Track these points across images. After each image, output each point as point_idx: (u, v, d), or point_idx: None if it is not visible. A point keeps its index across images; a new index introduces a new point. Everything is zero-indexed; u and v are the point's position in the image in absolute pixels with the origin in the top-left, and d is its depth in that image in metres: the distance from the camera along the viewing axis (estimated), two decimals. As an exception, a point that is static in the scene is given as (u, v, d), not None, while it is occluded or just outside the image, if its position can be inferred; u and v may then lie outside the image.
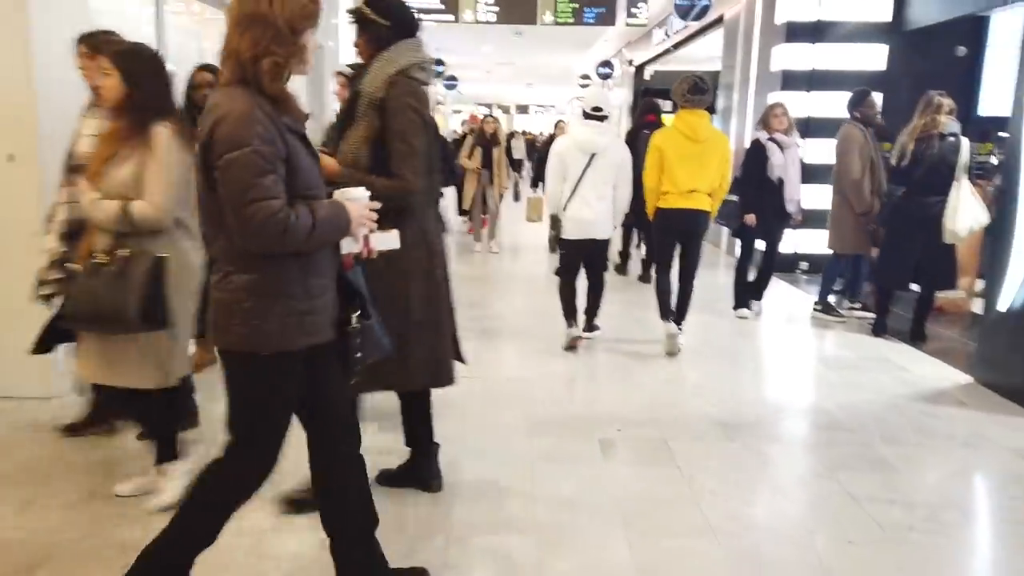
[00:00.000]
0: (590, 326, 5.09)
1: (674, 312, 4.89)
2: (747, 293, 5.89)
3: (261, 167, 1.77)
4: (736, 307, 5.86)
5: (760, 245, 5.79)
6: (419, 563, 2.37)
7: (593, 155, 4.59)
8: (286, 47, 1.82)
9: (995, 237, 4.27)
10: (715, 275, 7.80)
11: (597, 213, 4.63)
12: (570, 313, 4.89)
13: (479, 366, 4.49)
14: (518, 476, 3.03)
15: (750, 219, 5.53)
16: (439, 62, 18.05)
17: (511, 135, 13.01)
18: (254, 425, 1.97)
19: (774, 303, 6.49)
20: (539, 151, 9.81)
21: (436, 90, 22.80)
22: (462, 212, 9.73)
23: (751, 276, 5.90)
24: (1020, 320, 3.99)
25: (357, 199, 2.01)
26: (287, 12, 1.80)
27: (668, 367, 4.59)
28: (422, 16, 9.65)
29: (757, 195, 5.50)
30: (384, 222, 2.10)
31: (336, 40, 10.31)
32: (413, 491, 2.88)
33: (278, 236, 1.78)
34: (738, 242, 5.98)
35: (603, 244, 4.78)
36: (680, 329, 4.88)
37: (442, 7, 9.68)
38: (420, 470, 2.91)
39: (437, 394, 3.95)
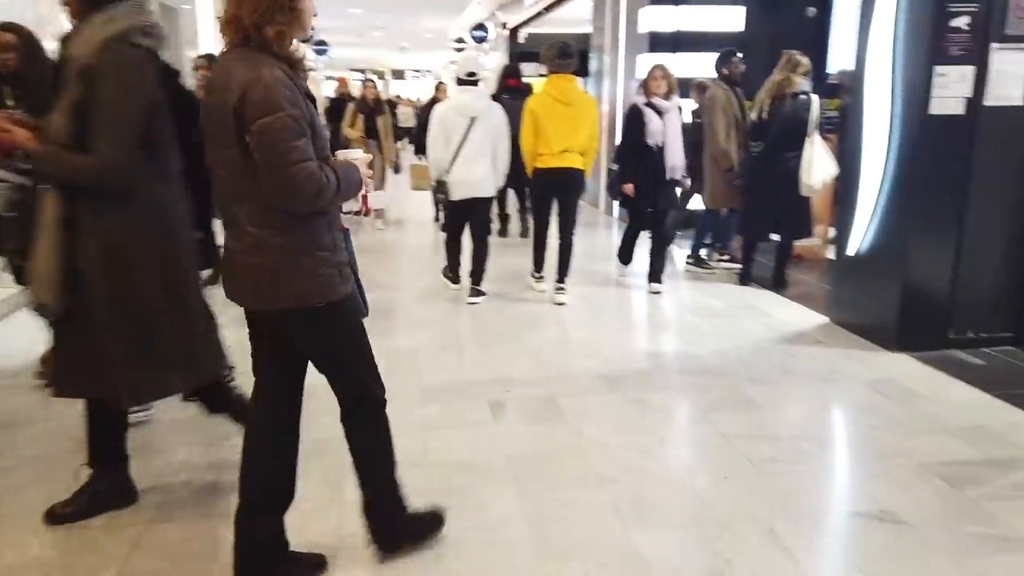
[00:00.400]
0: (475, 291, 5.21)
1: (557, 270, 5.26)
2: (628, 256, 5.86)
3: (296, 130, 1.85)
4: (622, 262, 5.89)
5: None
6: (312, 539, 2.37)
7: (473, 119, 4.86)
8: (285, 14, 1.88)
9: (843, 187, 4.61)
10: (595, 235, 8.02)
11: (480, 173, 4.92)
12: (454, 268, 5.43)
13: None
14: (410, 446, 3.04)
15: (628, 188, 5.33)
16: (307, 26, 17.33)
17: (392, 101, 12.53)
18: (352, 365, 2.19)
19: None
20: (419, 117, 9.58)
21: (307, 56, 21.93)
22: None
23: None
24: (867, 263, 4.35)
25: (358, 159, 2.14)
26: None
27: (553, 327, 4.72)
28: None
29: (635, 163, 5.23)
30: (100, 200, 2.15)
31: (191, 2, 9.71)
32: (305, 464, 2.84)
33: (315, 196, 1.89)
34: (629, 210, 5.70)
35: (487, 203, 5.13)
36: (563, 282, 5.25)
37: (306, -32, 9.27)
38: (112, 486, 2.56)
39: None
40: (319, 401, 2.36)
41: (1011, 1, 3.76)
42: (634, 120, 5.18)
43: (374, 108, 8.04)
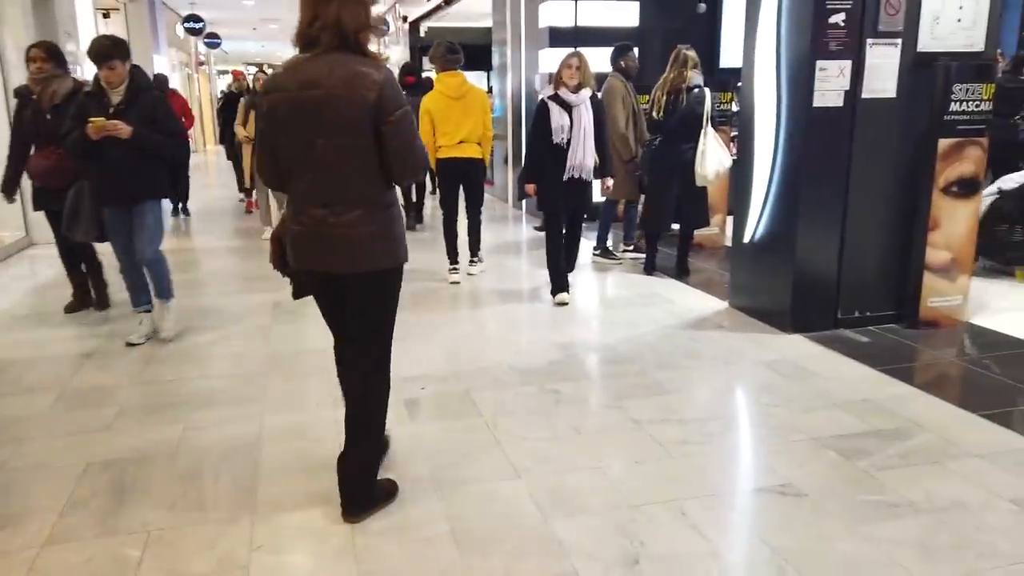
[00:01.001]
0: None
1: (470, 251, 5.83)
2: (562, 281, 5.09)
3: (412, 117, 2.36)
4: (553, 292, 5.07)
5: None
6: (224, 548, 2.30)
7: None
8: (371, 21, 2.29)
9: (737, 177, 4.81)
10: (505, 228, 8.07)
11: None
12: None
13: (276, 341, 4.34)
14: (326, 449, 3.00)
15: (529, 189, 4.96)
16: (196, 18, 16.65)
17: None
18: (389, 326, 2.54)
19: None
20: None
21: (198, 48, 21.05)
22: (243, 190, 9.20)
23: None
24: (761, 250, 4.56)
25: None
26: None
27: (466, 322, 4.73)
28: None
29: (540, 161, 4.85)
30: None
31: (70, -7, 9.13)
32: (216, 471, 2.75)
33: (424, 169, 2.56)
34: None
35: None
36: (476, 255, 5.88)
37: (193, -42, 8.89)
38: None
39: (236, 375, 3.80)
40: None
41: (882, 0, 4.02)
42: (538, 115, 4.87)
43: None
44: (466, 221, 5.73)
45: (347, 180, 2.32)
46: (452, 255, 5.66)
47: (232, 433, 3.15)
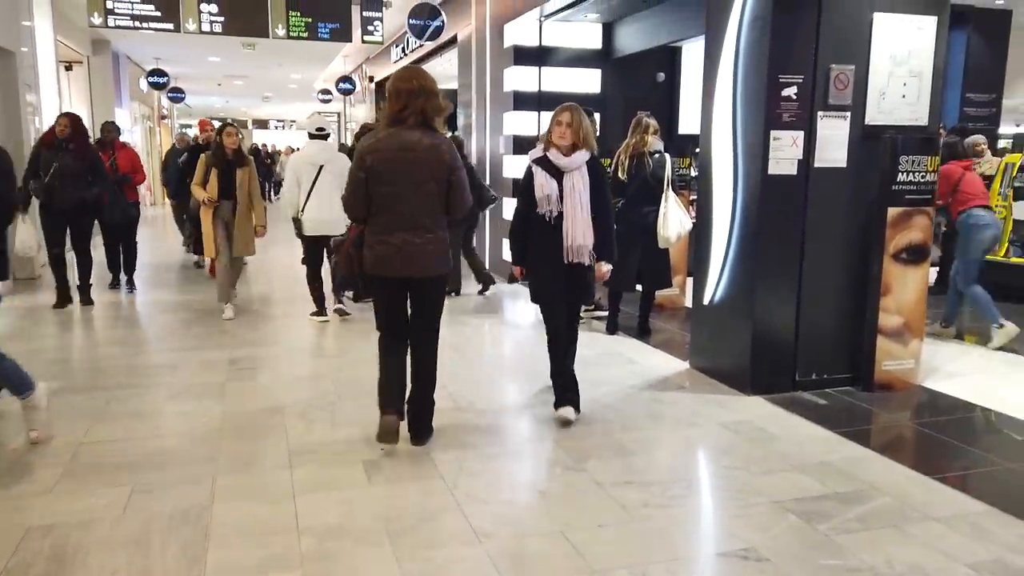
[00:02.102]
0: (339, 300, 6.45)
1: None
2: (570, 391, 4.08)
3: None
4: (556, 405, 4.01)
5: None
6: None
7: (321, 166, 5.97)
8: (440, 109, 3.42)
9: (697, 240, 4.92)
10: (464, 285, 8.06)
11: (331, 213, 5.81)
12: (318, 299, 6.25)
13: (231, 400, 4.24)
14: (280, 511, 2.91)
15: (516, 272, 4.13)
16: (160, 72, 16.68)
17: (266, 151, 11.92)
18: (442, 308, 3.65)
19: (522, 310, 6.88)
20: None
21: (162, 102, 21.04)
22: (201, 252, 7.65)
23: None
24: (721, 312, 4.64)
25: None
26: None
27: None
28: (138, 25, 8.87)
29: (524, 239, 3.96)
30: None
31: (31, 46, 9.12)
32: (164, 537, 2.64)
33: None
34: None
35: (339, 238, 5.69)
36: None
37: (159, 15, 8.94)
38: None
39: (187, 435, 3.69)
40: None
41: (832, 75, 4.21)
42: (524, 183, 3.93)
43: (233, 160, 6.18)
44: None
45: (424, 214, 3.39)
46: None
47: (182, 496, 3.03)
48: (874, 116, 4.33)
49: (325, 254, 6.27)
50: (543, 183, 3.77)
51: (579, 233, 3.75)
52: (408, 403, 3.60)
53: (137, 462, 3.37)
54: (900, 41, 4.29)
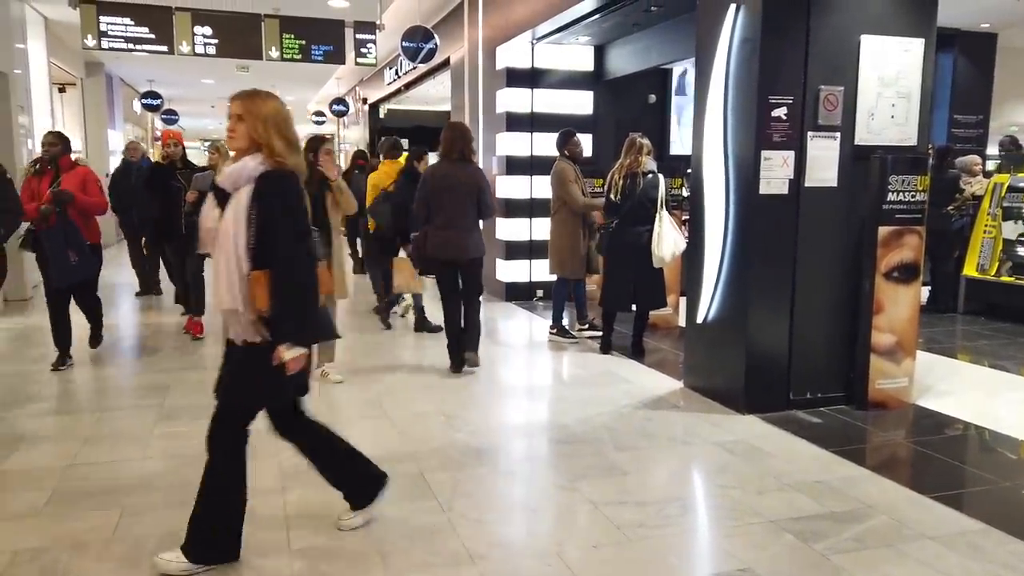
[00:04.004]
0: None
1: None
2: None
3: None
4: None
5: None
6: None
7: None
8: (473, 147, 5.30)
9: (690, 259, 4.93)
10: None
11: None
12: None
13: (220, 420, 4.20)
14: (272, 535, 2.88)
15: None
16: (154, 94, 16.73)
17: None
18: (481, 278, 5.21)
19: (515, 329, 6.88)
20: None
21: (155, 124, 21.08)
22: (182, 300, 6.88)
23: None
24: (714, 331, 4.64)
25: None
26: None
27: (417, 399, 4.65)
28: (132, 47, 8.89)
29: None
30: None
31: (24, 67, 9.14)
32: (146, 561, 2.60)
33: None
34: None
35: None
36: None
37: (153, 37, 8.97)
38: None
39: (179, 456, 3.65)
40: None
41: (821, 96, 4.25)
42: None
43: (323, 182, 5.11)
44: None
45: (465, 216, 5.06)
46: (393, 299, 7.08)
47: (172, 518, 2.99)
48: (863, 136, 4.37)
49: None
50: (206, 212, 2.61)
51: (223, 290, 2.51)
52: (465, 338, 5.23)
53: (127, 485, 3.34)
54: (888, 63, 4.34)
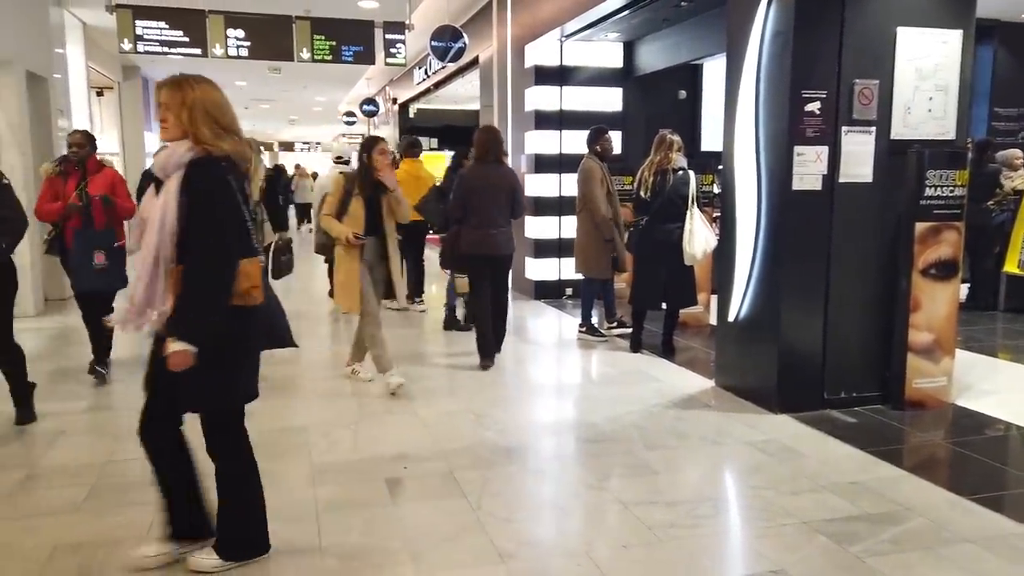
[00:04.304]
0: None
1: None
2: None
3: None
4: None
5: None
6: None
7: None
8: (504, 149, 5.55)
9: (721, 256, 4.87)
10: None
11: None
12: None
13: (257, 419, 4.25)
14: (304, 530, 2.90)
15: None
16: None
17: (275, 172, 11.51)
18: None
19: (544, 327, 6.87)
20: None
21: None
22: None
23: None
24: (746, 330, 4.58)
25: None
26: None
27: (447, 398, 4.67)
28: (166, 51, 9.05)
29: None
30: None
31: (64, 72, 9.35)
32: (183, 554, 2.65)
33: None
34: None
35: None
36: (419, 300, 7.71)
37: (187, 40, 9.12)
38: None
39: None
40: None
41: (856, 90, 4.17)
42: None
43: (379, 184, 4.89)
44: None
45: (500, 215, 5.27)
46: (419, 291, 7.73)
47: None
48: (900, 131, 4.28)
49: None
50: (145, 202, 2.52)
51: (140, 288, 2.41)
52: (493, 331, 5.45)
53: (162, 481, 3.39)
54: (925, 55, 4.24)
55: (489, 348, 5.36)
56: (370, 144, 4.76)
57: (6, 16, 7.09)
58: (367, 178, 4.70)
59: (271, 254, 6.45)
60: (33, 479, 3.43)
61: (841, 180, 4.24)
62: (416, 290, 7.61)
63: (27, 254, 7.30)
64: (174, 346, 2.29)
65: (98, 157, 5.10)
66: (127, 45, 8.96)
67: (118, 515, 3.04)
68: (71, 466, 3.57)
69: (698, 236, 5.40)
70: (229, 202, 2.38)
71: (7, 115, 7.16)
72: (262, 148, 6.62)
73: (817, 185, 4.21)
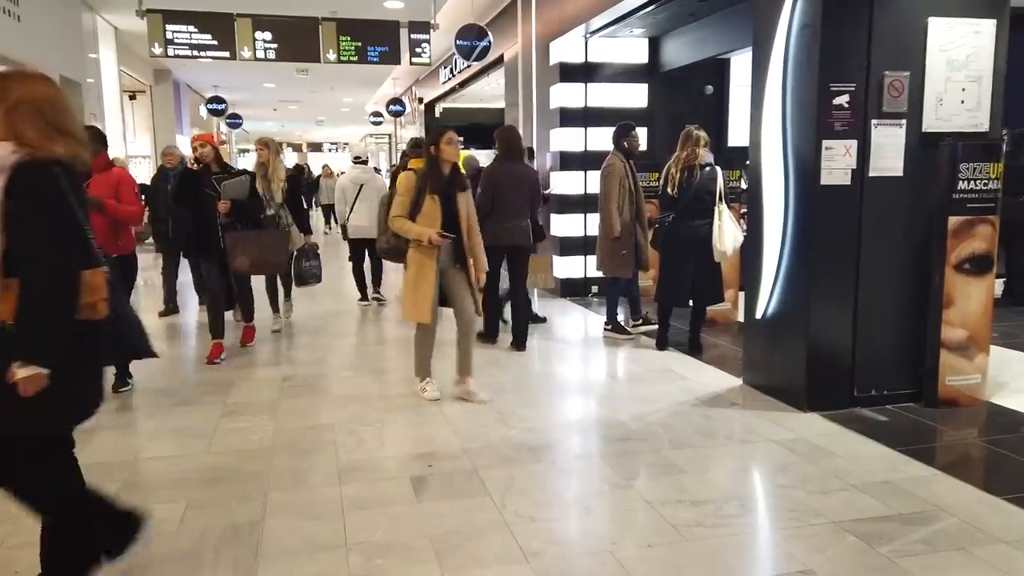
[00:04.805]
0: (377, 292, 7.88)
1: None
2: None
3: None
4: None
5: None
6: None
7: (361, 185, 7.54)
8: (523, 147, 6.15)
9: (748, 253, 4.82)
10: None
11: (368, 221, 7.05)
12: (361, 287, 7.82)
13: (284, 417, 4.30)
14: (330, 527, 2.93)
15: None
16: (219, 99, 17.25)
17: (296, 172, 10.92)
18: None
19: (570, 325, 6.85)
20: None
21: (221, 129, 21.73)
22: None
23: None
24: (774, 327, 4.53)
25: None
26: None
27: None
28: (196, 54, 9.18)
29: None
30: None
31: (97, 76, 9.53)
32: (216, 553, 2.68)
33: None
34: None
35: (374, 240, 6.49)
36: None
37: (216, 44, 9.24)
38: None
39: (242, 450, 3.76)
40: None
41: (886, 82, 4.10)
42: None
43: (451, 180, 4.45)
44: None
45: (522, 210, 5.67)
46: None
47: (235, 511, 3.08)
48: (931, 123, 4.19)
49: (367, 254, 7.65)
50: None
51: None
52: (513, 325, 5.86)
53: (191, 478, 3.45)
54: (957, 45, 4.15)
55: (495, 327, 5.98)
56: (438, 134, 4.35)
57: (41, 23, 7.24)
58: (437, 173, 4.36)
59: (292, 260, 6.30)
60: (67, 476, 3.49)
61: (871, 174, 4.16)
62: None
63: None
64: (22, 372, 2.01)
65: (110, 157, 4.88)
66: (158, 49, 9.11)
67: (149, 510, 3.08)
68: (104, 463, 3.64)
69: (727, 232, 5.34)
70: (61, 209, 2.10)
71: (42, 119, 7.30)
72: (282, 147, 6.50)
73: (846, 179, 4.14)
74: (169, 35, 9.07)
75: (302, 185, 10.63)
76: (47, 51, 7.39)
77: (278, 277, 6.59)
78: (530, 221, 5.82)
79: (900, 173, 4.19)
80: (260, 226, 5.66)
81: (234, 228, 5.45)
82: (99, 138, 4.74)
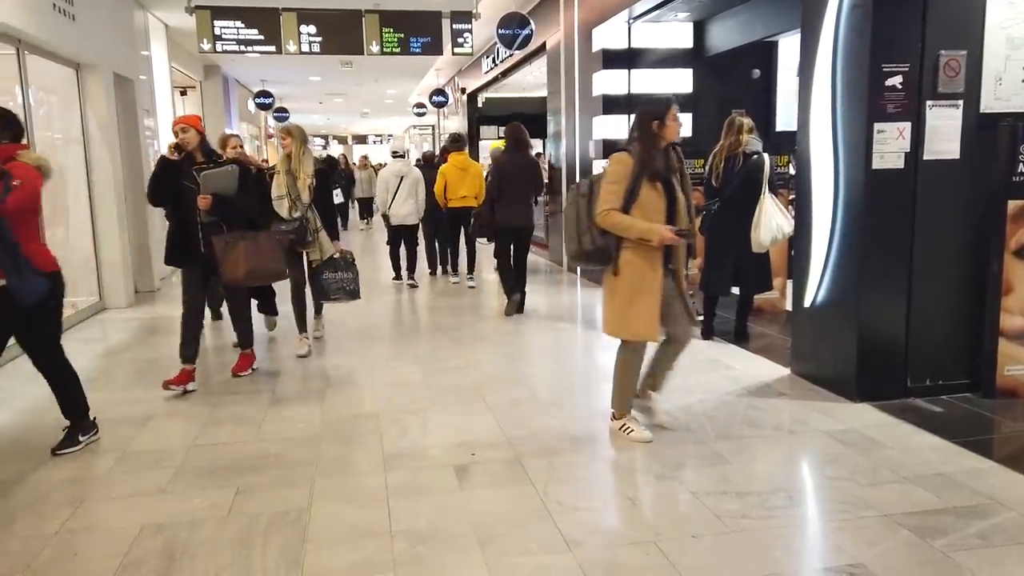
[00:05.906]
0: (412, 279, 8.68)
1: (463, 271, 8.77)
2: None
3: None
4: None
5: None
6: None
7: (402, 177, 8.38)
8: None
9: (796, 240, 4.71)
10: (559, 294, 8.06)
11: (408, 209, 8.43)
12: (396, 267, 8.87)
13: (331, 405, 4.37)
14: (375, 514, 2.97)
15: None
16: (266, 94, 17.52)
17: (327, 165, 10.35)
18: None
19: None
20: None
21: (268, 123, 22.08)
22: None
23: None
24: (823, 316, 4.42)
25: None
26: None
27: (514, 386, 4.68)
28: (243, 49, 9.33)
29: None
30: None
31: (148, 73, 9.75)
32: (265, 538, 2.74)
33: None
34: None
35: (413, 227, 8.65)
36: (471, 273, 8.69)
37: (262, 38, 9.39)
38: None
39: (290, 438, 3.83)
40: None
41: (941, 61, 3.95)
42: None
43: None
44: (466, 249, 8.79)
45: (526, 196, 6.72)
46: (455, 266, 8.96)
47: (283, 497, 3.15)
48: (990, 103, 4.03)
49: (404, 241, 8.60)
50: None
51: None
52: (517, 289, 6.78)
53: (241, 464, 3.53)
54: (1018, 22, 3.98)
55: (512, 291, 6.76)
56: (664, 106, 3.52)
57: (94, 22, 7.44)
58: (656, 156, 3.48)
59: (313, 270, 5.35)
60: (123, 461, 3.61)
61: (926, 157, 4.03)
62: (470, 267, 8.85)
63: (117, 249, 7.68)
64: None
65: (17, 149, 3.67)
66: (206, 45, 9.28)
67: (199, 497, 3.18)
68: (158, 450, 3.75)
69: (765, 224, 5.22)
70: None
71: (97, 115, 7.53)
72: (309, 137, 5.41)
73: (899, 163, 4.01)
74: (217, 31, 9.23)
75: (339, 179, 9.94)
76: (101, 49, 7.59)
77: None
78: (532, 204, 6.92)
79: (956, 156, 4.05)
80: (253, 227, 4.75)
81: (219, 229, 4.57)
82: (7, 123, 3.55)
